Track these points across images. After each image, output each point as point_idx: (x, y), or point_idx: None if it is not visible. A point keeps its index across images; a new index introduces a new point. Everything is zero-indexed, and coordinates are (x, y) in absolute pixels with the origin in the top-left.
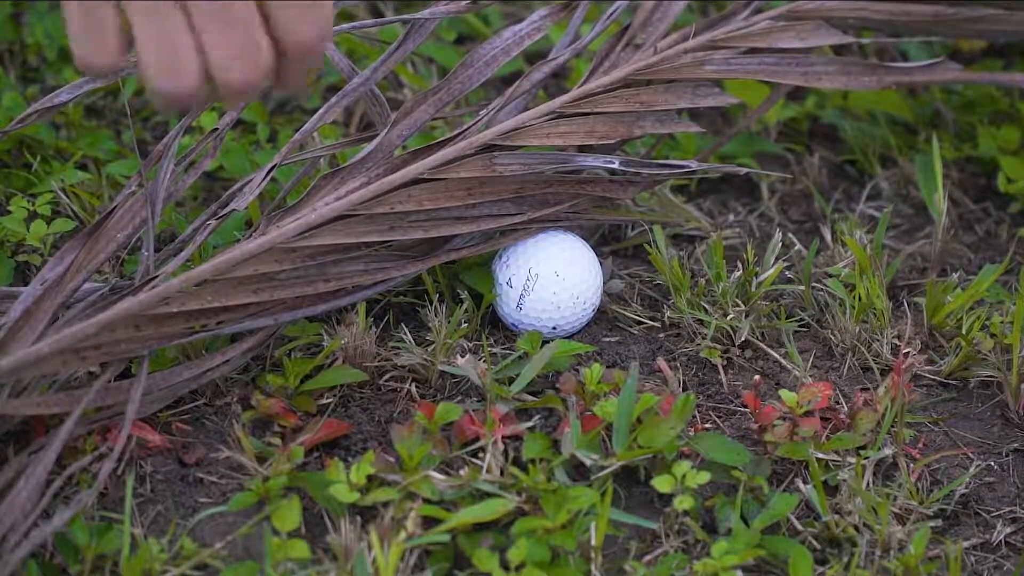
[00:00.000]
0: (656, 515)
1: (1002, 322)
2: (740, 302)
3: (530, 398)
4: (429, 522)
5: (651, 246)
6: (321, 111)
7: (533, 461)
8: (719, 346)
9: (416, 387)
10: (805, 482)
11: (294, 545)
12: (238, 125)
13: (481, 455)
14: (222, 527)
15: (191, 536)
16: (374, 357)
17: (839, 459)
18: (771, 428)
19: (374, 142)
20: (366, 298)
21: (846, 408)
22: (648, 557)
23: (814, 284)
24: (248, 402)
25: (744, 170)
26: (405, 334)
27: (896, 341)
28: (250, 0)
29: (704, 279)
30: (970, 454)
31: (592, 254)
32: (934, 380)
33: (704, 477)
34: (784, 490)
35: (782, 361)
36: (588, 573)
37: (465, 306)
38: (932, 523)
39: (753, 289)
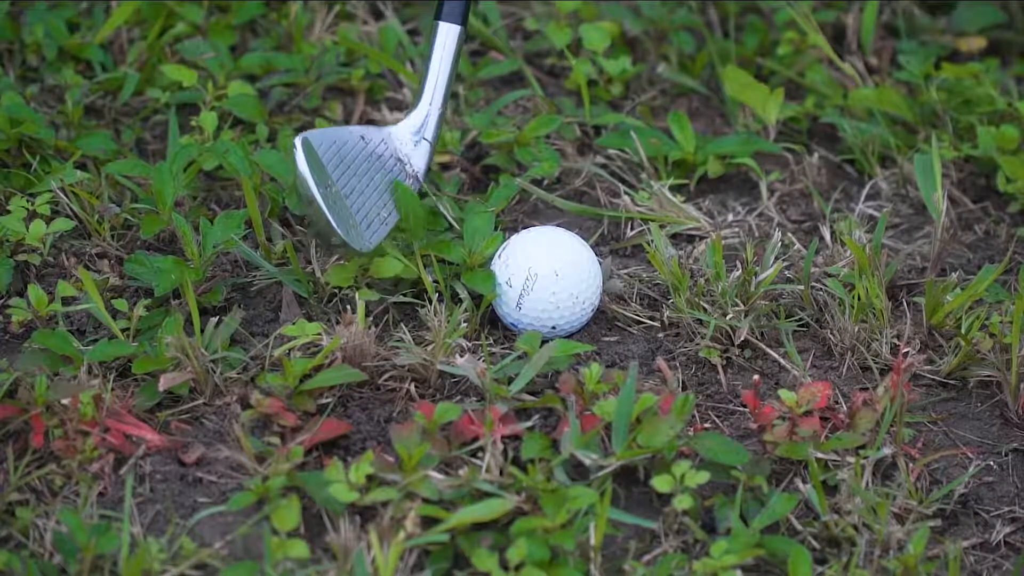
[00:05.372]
0: (655, 515)
1: (1001, 322)
2: (739, 302)
3: (529, 398)
4: (428, 522)
5: (650, 245)
6: None
7: (532, 461)
8: (718, 346)
9: (415, 387)
10: (804, 482)
11: (293, 545)
12: (237, 124)
13: (480, 455)
14: (221, 527)
15: (190, 536)
16: (373, 357)
17: (838, 459)
18: (770, 428)
19: None
20: None
21: (845, 408)
22: (647, 557)
23: (813, 284)
24: (247, 402)
25: None
26: (404, 334)
27: (895, 341)
28: None
29: (703, 279)
30: (969, 454)
31: (591, 254)
32: (933, 380)
33: (703, 477)
34: (783, 490)
35: (781, 361)
36: (587, 573)
37: (464, 306)
38: (931, 523)
39: (752, 289)
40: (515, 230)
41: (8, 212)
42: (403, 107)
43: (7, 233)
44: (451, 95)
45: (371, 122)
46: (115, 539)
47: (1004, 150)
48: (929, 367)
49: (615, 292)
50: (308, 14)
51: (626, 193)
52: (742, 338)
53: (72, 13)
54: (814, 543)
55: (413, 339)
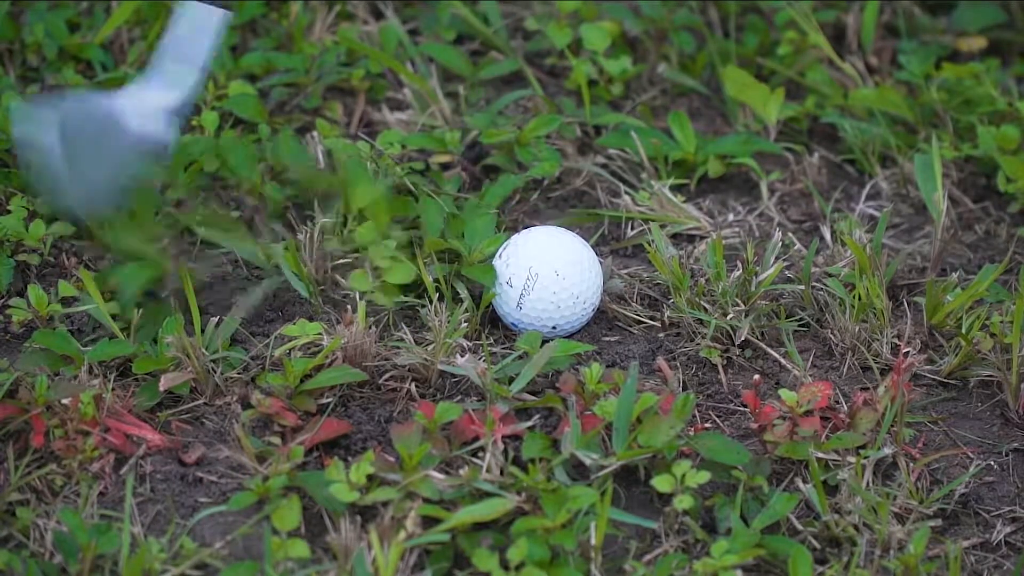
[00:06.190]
0: (656, 515)
1: (1002, 322)
2: (740, 302)
3: (530, 398)
4: (429, 522)
5: (650, 245)
6: None
7: (533, 461)
8: (719, 346)
9: (416, 386)
10: (805, 482)
11: (294, 545)
12: (237, 124)
13: (481, 455)
14: (222, 527)
15: (191, 536)
16: (374, 357)
17: (839, 459)
18: (771, 428)
19: None
20: None
21: (846, 408)
22: (648, 557)
23: (814, 284)
24: (248, 401)
25: None
26: (405, 334)
27: (896, 341)
28: None
29: (704, 278)
30: (970, 454)
31: (592, 254)
32: (934, 380)
33: (704, 477)
34: (784, 490)
35: (782, 361)
36: (588, 573)
37: (465, 305)
38: (932, 523)
39: (753, 289)
40: (515, 230)
41: (8, 212)
42: (404, 107)
43: (7, 233)
44: (452, 95)
45: (371, 123)
46: (115, 539)
47: (1004, 150)
48: (929, 367)
49: (615, 292)
50: (308, 14)
51: (626, 193)
52: (742, 338)
53: (72, 13)
54: (814, 543)
55: (414, 339)
